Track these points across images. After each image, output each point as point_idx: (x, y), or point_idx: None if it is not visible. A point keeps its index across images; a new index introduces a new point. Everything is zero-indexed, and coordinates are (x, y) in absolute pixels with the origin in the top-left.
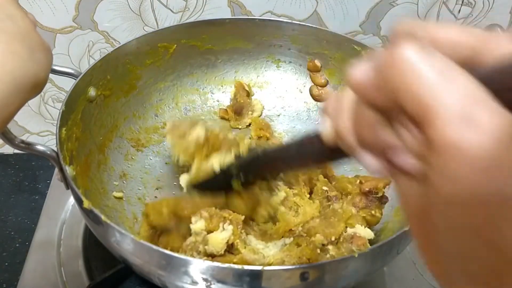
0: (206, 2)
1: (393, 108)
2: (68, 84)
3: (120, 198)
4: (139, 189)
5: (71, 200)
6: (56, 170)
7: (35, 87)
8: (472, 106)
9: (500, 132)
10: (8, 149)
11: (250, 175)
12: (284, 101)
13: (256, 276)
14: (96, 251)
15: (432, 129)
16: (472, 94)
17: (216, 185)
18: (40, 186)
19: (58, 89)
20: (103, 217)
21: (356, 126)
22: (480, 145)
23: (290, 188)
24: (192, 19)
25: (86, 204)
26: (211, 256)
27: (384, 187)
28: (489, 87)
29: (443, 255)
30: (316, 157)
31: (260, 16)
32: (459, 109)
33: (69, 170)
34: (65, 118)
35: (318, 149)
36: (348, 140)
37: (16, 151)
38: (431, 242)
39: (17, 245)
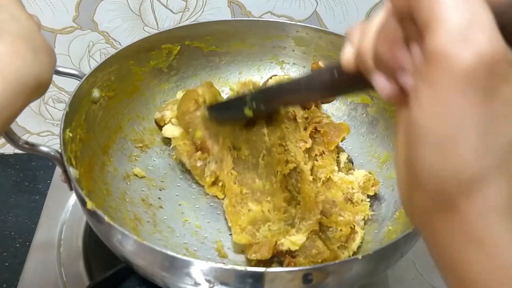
0: (206, 2)
1: (407, 15)
2: (68, 84)
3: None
4: (142, 190)
5: (72, 200)
6: (57, 170)
7: (39, 88)
8: (474, 26)
9: (490, 57)
10: (8, 149)
11: (262, 104)
12: None
13: (259, 277)
14: (96, 251)
15: (430, 37)
16: (479, 17)
17: (229, 110)
18: (40, 186)
19: (58, 89)
20: (106, 218)
21: (378, 43)
22: (468, 62)
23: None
24: (192, 20)
25: (90, 205)
26: None
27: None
28: (499, 20)
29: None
30: (323, 89)
31: (260, 16)
32: (461, 25)
33: (73, 171)
34: (69, 120)
35: (326, 81)
36: (367, 60)
37: (17, 151)
38: (407, 155)
39: (17, 245)
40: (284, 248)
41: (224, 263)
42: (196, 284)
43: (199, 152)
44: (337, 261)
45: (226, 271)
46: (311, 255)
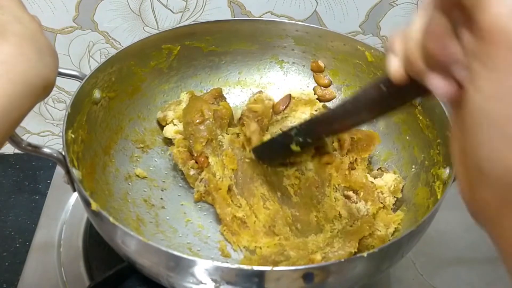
0: (206, 2)
1: (452, 2)
2: (68, 84)
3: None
4: (144, 190)
5: (72, 200)
6: (57, 170)
7: (45, 89)
8: None
9: None
10: (8, 149)
11: (308, 137)
12: None
13: (264, 276)
14: (97, 251)
15: (482, 13)
16: None
17: (275, 149)
18: (40, 186)
19: (58, 89)
20: (111, 219)
21: (427, 40)
22: None
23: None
24: (192, 20)
25: (94, 206)
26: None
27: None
28: None
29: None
30: (373, 108)
31: (260, 16)
32: None
33: (75, 172)
34: (70, 121)
35: (374, 98)
36: (417, 62)
37: (17, 151)
38: (466, 143)
39: (18, 245)
40: None
41: (227, 263)
42: (202, 283)
43: (193, 161)
44: (342, 260)
45: (232, 270)
46: None
